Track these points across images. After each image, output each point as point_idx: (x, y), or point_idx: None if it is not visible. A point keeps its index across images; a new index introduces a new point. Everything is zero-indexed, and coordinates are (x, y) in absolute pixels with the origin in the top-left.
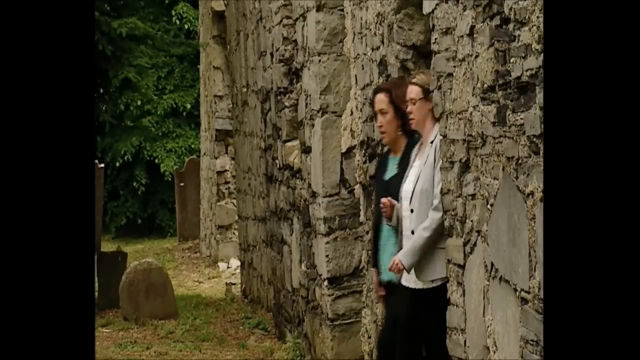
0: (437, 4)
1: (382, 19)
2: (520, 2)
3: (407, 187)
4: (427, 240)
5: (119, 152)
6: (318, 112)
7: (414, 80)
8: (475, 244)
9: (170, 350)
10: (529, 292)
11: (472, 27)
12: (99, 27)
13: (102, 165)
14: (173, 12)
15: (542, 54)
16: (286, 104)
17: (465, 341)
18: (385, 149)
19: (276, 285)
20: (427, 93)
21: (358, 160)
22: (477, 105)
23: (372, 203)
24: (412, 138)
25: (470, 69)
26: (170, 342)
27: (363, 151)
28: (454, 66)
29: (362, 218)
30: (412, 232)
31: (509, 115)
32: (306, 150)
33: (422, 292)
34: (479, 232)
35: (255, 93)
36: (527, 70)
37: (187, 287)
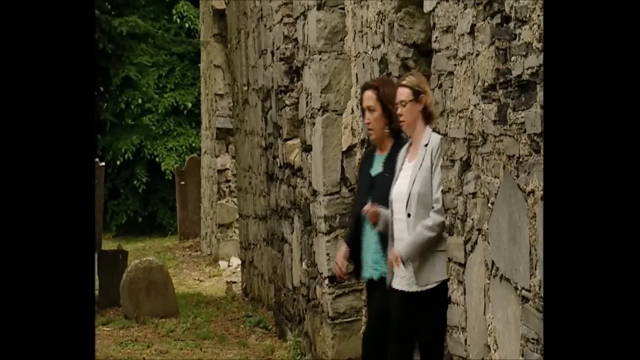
0: (437, 3)
1: (383, 18)
2: (521, 1)
3: (399, 189)
4: (429, 240)
5: (119, 150)
6: (319, 110)
7: (403, 82)
8: (476, 243)
9: (171, 349)
10: (529, 291)
11: (473, 26)
12: (99, 26)
13: (103, 163)
14: (174, 11)
15: (542, 53)
16: (287, 102)
17: (466, 340)
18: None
19: (277, 283)
20: (417, 95)
21: (359, 159)
22: (478, 104)
23: (354, 193)
24: (399, 138)
25: (471, 68)
26: (171, 340)
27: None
28: (455, 64)
29: None
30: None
31: (509, 113)
32: (307, 148)
33: (416, 294)
34: (479, 230)
35: (256, 91)
36: (527, 69)
37: (188, 286)
